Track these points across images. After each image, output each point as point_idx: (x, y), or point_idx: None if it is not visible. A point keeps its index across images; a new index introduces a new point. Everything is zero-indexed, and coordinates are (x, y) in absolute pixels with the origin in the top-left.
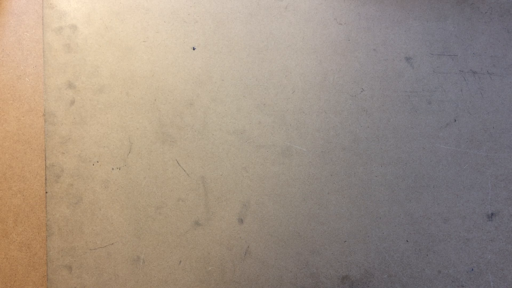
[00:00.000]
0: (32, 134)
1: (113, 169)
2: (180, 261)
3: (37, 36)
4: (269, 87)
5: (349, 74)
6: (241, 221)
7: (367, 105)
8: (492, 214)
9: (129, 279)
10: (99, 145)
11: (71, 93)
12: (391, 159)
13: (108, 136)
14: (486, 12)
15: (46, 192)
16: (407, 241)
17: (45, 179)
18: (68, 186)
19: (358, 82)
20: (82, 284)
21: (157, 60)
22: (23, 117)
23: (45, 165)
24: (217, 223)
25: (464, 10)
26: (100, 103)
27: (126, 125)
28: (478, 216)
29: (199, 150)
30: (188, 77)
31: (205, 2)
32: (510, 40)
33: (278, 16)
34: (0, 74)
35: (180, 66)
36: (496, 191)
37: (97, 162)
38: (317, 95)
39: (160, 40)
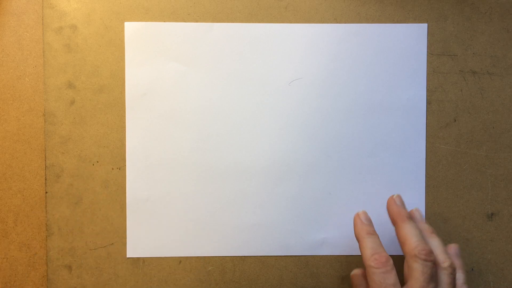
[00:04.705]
0: (32, 134)
1: (113, 169)
2: (180, 261)
3: (37, 36)
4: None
5: None
6: None
7: None
8: (492, 214)
9: (129, 279)
10: (99, 145)
11: (71, 93)
12: None
13: (108, 136)
14: (486, 12)
15: (46, 192)
16: None
17: (45, 179)
18: (68, 186)
19: None
20: (82, 284)
21: None
22: (23, 117)
23: (45, 165)
24: None
25: (464, 10)
26: (100, 103)
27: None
28: (478, 216)
29: None
30: None
31: (205, 2)
32: (510, 40)
33: (278, 16)
34: (0, 74)
35: None
36: (496, 191)
37: (97, 162)
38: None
39: None
